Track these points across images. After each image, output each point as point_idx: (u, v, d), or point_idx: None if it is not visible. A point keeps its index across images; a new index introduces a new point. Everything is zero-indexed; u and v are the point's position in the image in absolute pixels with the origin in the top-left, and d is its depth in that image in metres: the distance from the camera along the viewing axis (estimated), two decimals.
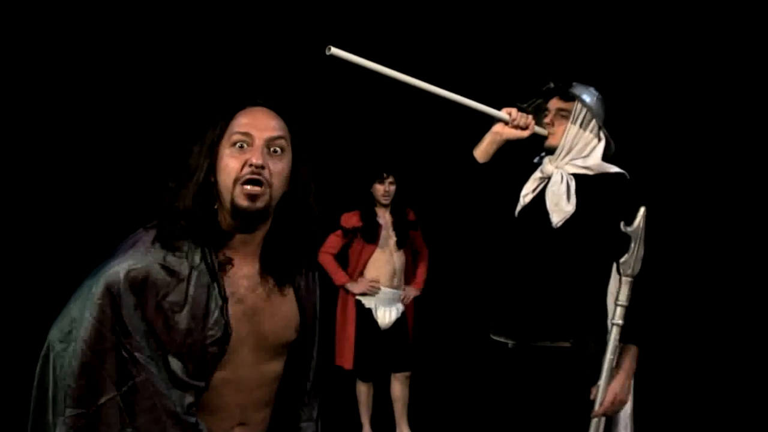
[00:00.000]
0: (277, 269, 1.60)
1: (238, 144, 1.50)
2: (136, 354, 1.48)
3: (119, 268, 1.49)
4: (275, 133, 1.51)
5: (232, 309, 1.55)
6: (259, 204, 1.50)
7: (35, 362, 1.57)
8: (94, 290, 1.49)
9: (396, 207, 4.26)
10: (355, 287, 4.19)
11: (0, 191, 4.55)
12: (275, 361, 1.66)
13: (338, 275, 4.21)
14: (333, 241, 4.25)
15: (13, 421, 1.65)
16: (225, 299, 1.54)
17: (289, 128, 1.57)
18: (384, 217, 4.26)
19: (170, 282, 1.50)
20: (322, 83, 4.61)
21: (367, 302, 4.21)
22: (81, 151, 4.68)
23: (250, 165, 1.47)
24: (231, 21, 4.73)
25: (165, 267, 1.51)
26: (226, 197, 1.51)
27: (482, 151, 2.50)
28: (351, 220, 4.24)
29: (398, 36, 4.62)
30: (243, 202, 1.49)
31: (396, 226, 4.24)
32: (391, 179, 4.21)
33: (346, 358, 4.20)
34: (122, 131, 4.68)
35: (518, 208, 2.53)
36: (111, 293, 1.48)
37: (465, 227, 4.02)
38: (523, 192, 2.54)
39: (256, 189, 1.49)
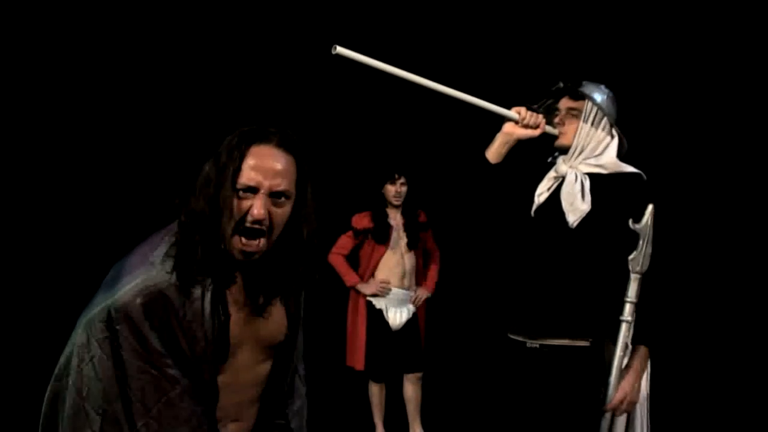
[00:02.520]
0: (272, 287, 1.65)
1: (245, 190, 1.53)
2: (167, 370, 1.51)
3: (136, 289, 1.51)
4: (280, 187, 1.53)
5: (237, 315, 1.61)
6: (255, 257, 1.55)
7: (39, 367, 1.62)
8: (111, 314, 1.51)
9: (407, 208, 4.26)
10: (365, 288, 4.19)
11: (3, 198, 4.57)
12: (267, 362, 1.73)
13: (349, 276, 4.21)
14: (344, 242, 4.25)
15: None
16: (228, 316, 1.58)
17: (297, 163, 1.59)
18: (395, 218, 4.25)
19: (185, 302, 1.53)
20: (334, 83, 4.60)
21: (378, 303, 4.20)
22: (89, 155, 4.69)
23: (252, 216, 1.51)
24: (240, 22, 4.72)
25: (179, 288, 1.53)
26: (225, 235, 1.54)
27: (494, 152, 2.49)
28: (362, 221, 4.24)
29: (406, 35, 4.60)
30: (238, 255, 1.55)
31: (407, 227, 4.23)
32: (402, 180, 4.20)
33: (357, 359, 4.20)
34: (127, 133, 4.69)
35: (534, 207, 2.52)
36: (130, 316, 1.50)
37: (478, 228, 4.00)
38: (538, 191, 2.53)
39: (253, 243, 1.54)
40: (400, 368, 4.27)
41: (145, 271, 1.53)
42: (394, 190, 4.19)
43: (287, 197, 1.55)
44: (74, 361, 1.53)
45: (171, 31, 4.66)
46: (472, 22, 4.69)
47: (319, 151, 4.86)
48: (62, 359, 1.57)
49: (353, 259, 4.30)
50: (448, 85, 2.27)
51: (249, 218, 1.52)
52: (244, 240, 1.53)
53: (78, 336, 1.54)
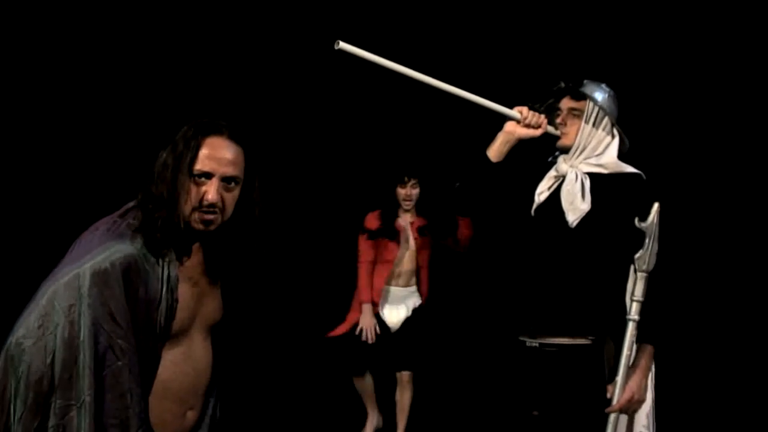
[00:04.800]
0: (219, 262, 1.82)
1: (199, 176, 1.70)
2: (118, 341, 1.61)
3: (114, 257, 1.62)
4: (231, 173, 1.72)
5: (190, 291, 1.75)
6: (212, 227, 1.73)
7: None
8: (83, 279, 1.60)
9: (423, 209, 4.17)
10: (364, 316, 4.09)
11: None
12: (209, 340, 1.88)
13: (364, 293, 4.13)
14: (364, 248, 4.16)
15: None
16: (176, 300, 1.71)
17: (245, 153, 1.77)
18: (405, 219, 4.20)
19: (149, 277, 1.67)
20: (344, 81, 4.52)
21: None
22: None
23: (207, 200, 1.69)
24: (248, 20, 4.65)
25: (146, 260, 1.67)
26: (183, 215, 1.71)
27: (495, 151, 2.49)
28: (373, 221, 4.17)
29: (409, 32, 4.54)
30: (198, 226, 1.72)
31: (420, 230, 4.15)
32: (413, 182, 4.12)
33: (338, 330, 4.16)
34: (128, 129, 4.55)
35: (534, 206, 2.53)
36: (107, 280, 1.60)
37: (478, 227, 3.97)
38: (538, 190, 2.53)
39: (210, 217, 1.71)
40: (393, 366, 4.20)
41: (119, 243, 1.65)
42: (404, 193, 4.12)
43: (237, 182, 1.75)
44: (38, 332, 1.58)
45: (172, 25, 4.56)
46: (474, 20, 4.63)
47: (331, 150, 4.84)
48: (21, 330, 1.60)
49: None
50: (450, 83, 2.27)
51: (204, 202, 1.69)
52: (201, 214, 1.70)
53: (42, 306, 1.60)
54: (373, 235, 4.13)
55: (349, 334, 4.11)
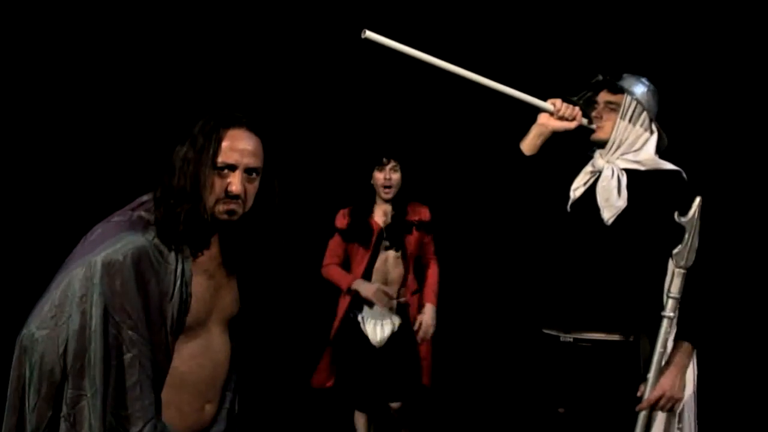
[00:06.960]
0: (236, 254, 1.84)
1: (223, 168, 1.73)
2: (128, 332, 1.62)
3: (126, 248, 1.64)
4: (253, 164, 1.76)
5: (206, 283, 1.77)
6: (234, 217, 1.76)
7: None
8: (94, 268, 1.60)
9: (399, 202, 3.49)
10: (364, 288, 3.39)
11: None
12: (227, 336, 1.89)
13: (344, 280, 3.47)
14: (333, 248, 3.56)
15: None
16: (189, 295, 1.72)
17: (263, 144, 1.81)
18: (384, 213, 3.53)
19: (161, 270, 1.68)
20: (313, 63, 4.33)
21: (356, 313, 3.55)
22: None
23: (231, 191, 1.72)
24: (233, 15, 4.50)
25: (160, 252, 1.69)
26: (208, 206, 1.73)
27: (529, 144, 2.46)
28: (344, 219, 3.55)
29: (440, 22, 4.35)
30: (222, 216, 1.74)
31: (389, 228, 3.48)
32: (392, 165, 3.44)
33: (320, 377, 3.60)
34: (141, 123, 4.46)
35: (570, 202, 2.49)
36: (117, 271, 1.61)
37: (491, 223, 3.80)
38: (574, 186, 2.50)
39: (233, 206, 1.74)
40: (384, 395, 3.52)
41: (131, 234, 1.67)
42: (383, 178, 3.43)
43: (258, 173, 1.78)
44: (51, 322, 1.60)
45: (164, 23, 4.45)
46: (511, 11, 4.55)
47: (278, 159, 4.63)
48: (35, 321, 1.61)
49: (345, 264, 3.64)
50: (482, 75, 2.23)
51: (229, 193, 1.72)
52: (226, 206, 1.73)
53: (55, 297, 1.61)
54: (346, 237, 3.51)
55: (337, 377, 3.59)
